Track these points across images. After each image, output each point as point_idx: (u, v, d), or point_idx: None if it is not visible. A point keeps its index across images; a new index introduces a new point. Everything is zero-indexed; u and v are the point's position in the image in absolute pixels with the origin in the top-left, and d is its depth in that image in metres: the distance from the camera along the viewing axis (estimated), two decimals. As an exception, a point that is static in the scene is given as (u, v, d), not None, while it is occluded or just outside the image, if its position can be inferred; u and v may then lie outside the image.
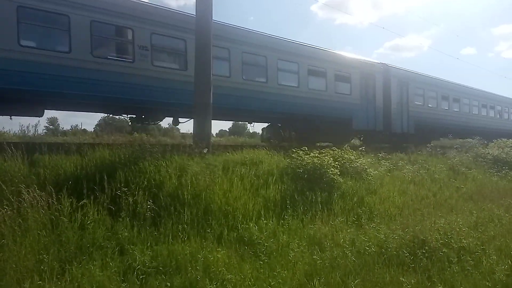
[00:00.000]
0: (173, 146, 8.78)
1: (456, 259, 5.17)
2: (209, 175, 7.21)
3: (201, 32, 10.10)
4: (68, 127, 46.68)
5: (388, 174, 10.94)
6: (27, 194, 5.26)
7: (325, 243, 5.72)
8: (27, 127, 17.75)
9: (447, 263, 5.08)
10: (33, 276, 4.16)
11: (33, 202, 5.17)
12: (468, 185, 11.18)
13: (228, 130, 53.06)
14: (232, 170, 7.96)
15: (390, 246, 5.50)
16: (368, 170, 9.89)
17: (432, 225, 6.30)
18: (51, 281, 4.15)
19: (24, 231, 4.73)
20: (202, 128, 9.93)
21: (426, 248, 5.34)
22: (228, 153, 9.54)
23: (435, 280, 4.65)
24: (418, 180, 10.87)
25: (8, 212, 4.88)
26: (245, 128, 52.58)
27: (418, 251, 5.28)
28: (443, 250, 5.31)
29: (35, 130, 14.46)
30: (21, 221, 4.84)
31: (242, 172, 7.94)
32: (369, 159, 11.47)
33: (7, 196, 5.26)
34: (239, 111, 14.26)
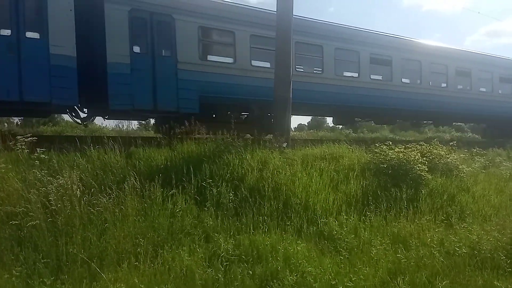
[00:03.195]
0: (253, 141, 9.00)
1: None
2: (289, 169, 7.29)
3: (282, 26, 10.18)
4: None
5: (483, 171, 10.08)
6: (125, 183, 5.81)
7: (411, 241, 5.48)
8: (122, 122, 19.44)
9: (550, 270, 4.58)
10: (130, 257, 4.60)
11: (130, 191, 5.70)
12: None
13: (307, 124, 52.69)
14: (312, 165, 7.95)
15: (484, 248, 5.10)
16: (460, 167, 9.20)
17: (534, 227, 5.71)
18: (146, 263, 4.55)
19: (123, 216, 5.24)
20: (281, 122, 10.03)
21: (526, 251, 4.87)
22: (308, 147, 9.53)
23: (536, 287, 4.23)
24: (518, 178, 9.85)
25: (110, 200, 5.44)
26: (324, 122, 51.78)
27: (516, 255, 4.83)
28: (546, 255, 4.79)
29: (129, 124, 15.80)
30: (121, 208, 5.36)
31: (321, 167, 7.89)
32: (461, 155, 10.66)
33: (109, 185, 5.86)
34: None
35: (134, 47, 11.20)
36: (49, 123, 23.02)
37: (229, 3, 13.27)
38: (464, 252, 5.07)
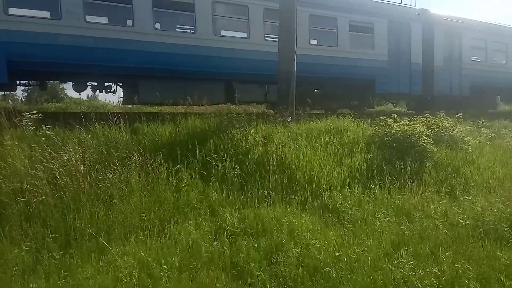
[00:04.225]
0: (257, 115, 8.97)
1: None
2: (294, 143, 7.29)
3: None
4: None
5: (488, 143, 10.02)
6: (130, 159, 5.85)
7: (414, 214, 5.52)
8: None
9: (554, 241, 4.61)
10: (137, 231, 4.69)
11: (135, 166, 5.74)
12: None
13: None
14: (316, 139, 7.93)
15: (488, 219, 5.13)
16: (465, 139, 9.15)
17: (539, 199, 5.73)
18: (153, 237, 4.64)
19: (129, 192, 5.30)
20: (285, 96, 9.96)
21: (530, 223, 4.89)
22: (312, 121, 9.49)
23: (539, 257, 4.27)
24: (524, 150, 9.78)
25: (116, 175, 5.49)
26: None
27: (520, 226, 4.86)
28: (550, 227, 4.82)
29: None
30: (127, 183, 5.42)
31: (326, 140, 7.88)
32: (467, 127, 10.58)
33: (114, 161, 5.90)
34: None
35: None
36: (52, 99, 23.01)
37: None
38: (467, 223, 5.11)
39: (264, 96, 13.31)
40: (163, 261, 4.05)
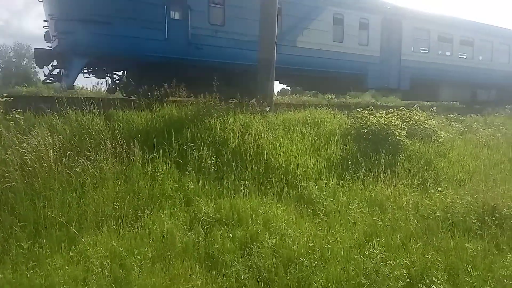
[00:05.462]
0: (236, 104, 8.92)
1: (529, 229, 4.87)
2: (271, 133, 7.29)
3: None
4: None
5: (460, 136, 10.30)
6: (104, 146, 5.72)
7: (387, 205, 5.63)
8: (101, 83, 18.92)
9: (519, 232, 4.80)
10: (110, 221, 4.60)
11: (109, 153, 5.61)
12: (551, 151, 10.19)
13: (290, 89, 52.20)
14: (294, 129, 7.96)
15: (457, 211, 5.29)
16: (438, 132, 9.37)
17: (505, 192, 5.95)
18: (126, 227, 4.57)
19: (102, 180, 5.19)
20: (264, 86, 9.92)
21: (496, 215, 5.08)
22: (290, 112, 9.50)
23: (504, 248, 4.45)
24: (493, 144, 10.10)
25: (89, 162, 5.36)
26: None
27: (487, 218, 5.04)
28: (516, 219, 5.01)
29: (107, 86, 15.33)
30: (100, 171, 5.29)
31: (303, 131, 7.92)
32: (439, 121, 10.84)
33: (87, 147, 5.75)
34: None
35: None
36: (24, 83, 22.22)
37: None
38: (438, 215, 5.25)
39: None
40: (136, 251, 3.99)
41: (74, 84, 10.51)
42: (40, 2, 11.09)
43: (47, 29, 11.09)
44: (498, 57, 19.46)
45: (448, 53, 17.77)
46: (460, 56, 18.17)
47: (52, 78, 11.03)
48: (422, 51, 16.81)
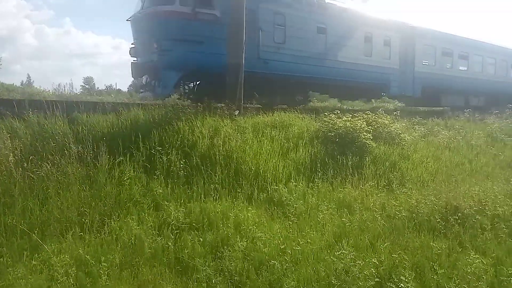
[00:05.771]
0: (204, 108, 8.86)
1: (489, 226, 5.10)
2: (241, 137, 7.28)
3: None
4: (103, 87, 47.86)
5: (422, 139, 10.68)
6: (68, 150, 5.51)
7: (355, 206, 5.75)
8: (64, 86, 18.33)
9: (480, 230, 5.03)
10: (75, 227, 4.43)
11: (73, 158, 5.42)
12: (506, 152, 10.75)
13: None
14: (263, 133, 7.99)
15: (422, 211, 5.46)
16: (402, 135, 9.67)
17: (466, 192, 6.20)
18: (92, 233, 4.42)
19: (67, 185, 4.99)
20: (234, 89, 9.90)
21: (459, 214, 5.28)
22: (259, 115, 9.53)
23: (467, 245, 4.63)
24: (453, 146, 10.55)
25: (52, 168, 5.15)
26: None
27: (450, 217, 5.22)
28: (477, 217, 5.23)
29: (71, 89, 14.92)
30: (62, 176, 5.09)
31: (272, 135, 7.96)
32: (403, 124, 11.19)
33: (51, 152, 5.52)
34: None
35: None
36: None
37: None
38: (403, 215, 5.40)
39: None
40: (102, 258, 3.87)
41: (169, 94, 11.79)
42: (128, 21, 12.40)
43: (133, 46, 12.38)
44: (486, 69, 22.22)
45: (448, 66, 20.10)
46: (458, 68, 20.58)
47: (143, 89, 12.37)
48: (430, 64, 18.96)
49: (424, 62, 18.52)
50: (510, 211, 5.60)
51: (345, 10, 15.14)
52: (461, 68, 20.76)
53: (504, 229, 5.03)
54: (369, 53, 16.13)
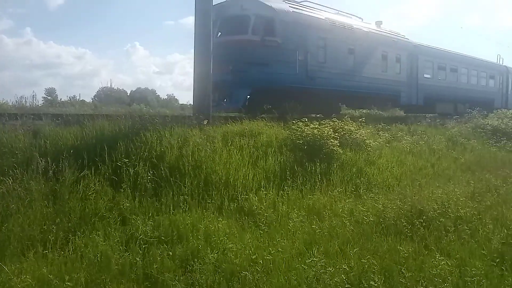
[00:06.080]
0: (172, 118, 8.75)
1: (453, 228, 5.26)
2: (210, 146, 7.24)
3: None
4: (66, 98, 46.30)
5: (387, 145, 10.97)
6: (29, 165, 5.29)
7: (324, 213, 5.81)
8: (25, 98, 17.64)
9: (444, 232, 5.17)
10: (37, 245, 4.24)
11: (35, 173, 5.21)
12: (466, 155, 11.23)
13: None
14: (232, 142, 7.98)
15: (388, 216, 5.58)
16: (367, 141, 9.90)
17: (430, 195, 6.39)
18: (55, 251, 4.25)
19: (28, 201, 4.78)
20: (202, 99, 9.86)
21: (424, 217, 5.41)
22: (228, 124, 9.52)
23: (432, 248, 4.75)
24: (416, 151, 10.91)
25: (13, 183, 4.92)
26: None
27: (415, 220, 5.35)
28: (440, 220, 5.39)
29: (33, 101, 14.41)
30: (24, 192, 4.88)
31: (241, 144, 7.96)
32: (368, 130, 11.46)
33: (11, 166, 5.29)
34: None
35: None
36: None
37: None
38: (371, 220, 5.50)
39: None
40: (67, 277, 3.69)
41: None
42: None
43: None
44: (471, 80, 25.73)
45: (442, 77, 23.23)
46: (449, 80, 23.63)
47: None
48: (429, 77, 22.09)
49: (426, 75, 21.77)
50: (472, 212, 5.82)
51: (368, 33, 17.78)
52: (451, 79, 23.99)
53: (467, 230, 5.21)
54: (385, 69, 18.88)
